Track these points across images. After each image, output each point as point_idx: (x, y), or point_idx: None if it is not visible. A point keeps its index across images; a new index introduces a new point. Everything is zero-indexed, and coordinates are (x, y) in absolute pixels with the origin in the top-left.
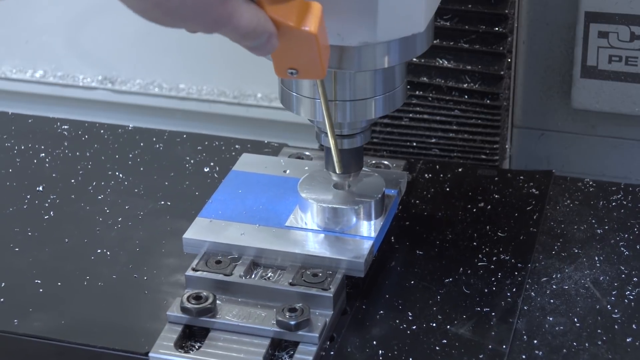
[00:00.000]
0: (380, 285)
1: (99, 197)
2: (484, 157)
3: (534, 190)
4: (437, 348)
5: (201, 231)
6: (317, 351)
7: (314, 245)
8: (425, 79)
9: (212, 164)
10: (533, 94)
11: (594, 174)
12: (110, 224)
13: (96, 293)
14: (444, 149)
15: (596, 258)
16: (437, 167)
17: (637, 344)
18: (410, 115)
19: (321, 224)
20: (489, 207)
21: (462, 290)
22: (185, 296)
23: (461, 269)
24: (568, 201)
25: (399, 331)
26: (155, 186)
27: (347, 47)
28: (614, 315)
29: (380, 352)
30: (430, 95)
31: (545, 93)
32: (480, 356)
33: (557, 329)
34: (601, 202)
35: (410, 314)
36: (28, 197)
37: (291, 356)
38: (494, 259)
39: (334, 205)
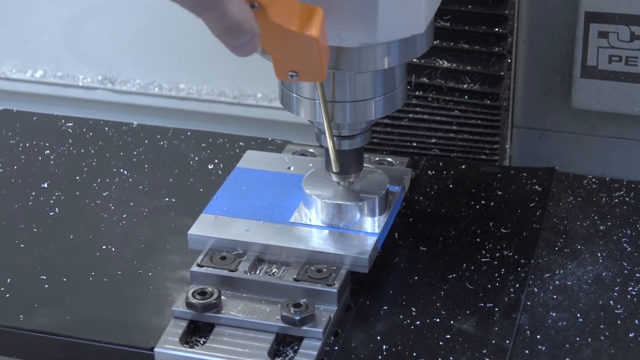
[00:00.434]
0: (384, 281)
1: (104, 194)
2: (484, 157)
3: (536, 186)
4: (441, 343)
5: (206, 227)
6: (321, 346)
7: (318, 241)
8: (425, 79)
9: (216, 161)
10: (533, 94)
11: (594, 174)
12: (115, 221)
13: (101, 289)
14: (444, 149)
15: (599, 254)
16: (441, 164)
17: (639, 339)
18: (410, 115)
19: (325, 220)
20: (492, 203)
21: (466, 286)
22: (191, 292)
23: (464, 264)
24: (571, 198)
25: (403, 326)
26: (160, 183)
27: (347, 48)
28: (616, 311)
29: (384, 347)
30: (430, 95)
31: (545, 93)
32: (484, 351)
33: (560, 324)
34: (604, 199)
35: (414, 310)
36: (33, 194)
37: (296, 351)
38: (497, 255)
39: (338, 202)
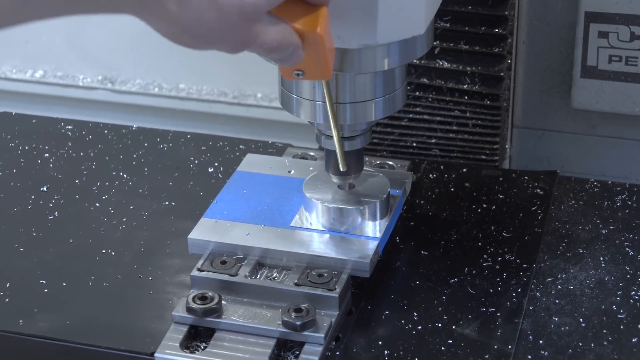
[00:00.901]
0: (386, 286)
1: (104, 198)
2: (484, 157)
3: (538, 190)
4: (443, 348)
5: (206, 231)
6: (322, 351)
7: (319, 245)
8: (425, 80)
9: (216, 164)
10: (533, 94)
11: (594, 174)
12: (115, 224)
13: (101, 293)
14: (444, 149)
15: (601, 258)
16: (442, 167)
17: None
18: (410, 115)
19: (326, 224)
20: (494, 207)
21: (468, 291)
22: (191, 296)
23: (466, 269)
24: (573, 201)
25: (405, 331)
26: (160, 186)
27: (348, 50)
28: (619, 316)
29: (385, 352)
30: (431, 96)
31: (545, 93)
32: (486, 356)
33: (562, 329)
34: (606, 202)
35: (415, 314)
36: (32, 197)
37: (297, 356)
38: (499, 259)
39: (339, 206)
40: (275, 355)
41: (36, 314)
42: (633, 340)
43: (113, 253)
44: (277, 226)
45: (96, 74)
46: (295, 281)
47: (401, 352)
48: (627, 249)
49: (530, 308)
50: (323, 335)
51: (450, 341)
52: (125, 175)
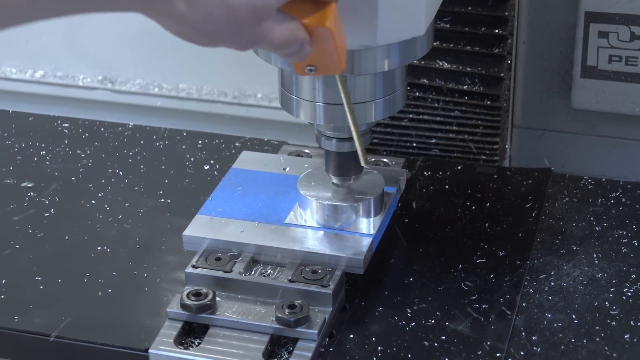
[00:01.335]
0: (379, 282)
1: (99, 195)
2: (484, 157)
3: (532, 187)
4: (436, 345)
5: (201, 228)
6: (316, 347)
7: (314, 242)
8: (425, 80)
9: (212, 161)
10: (533, 94)
11: (594, 174)
12: (111, 222)
13: (96, 290)
14: (444, 149)
15: (594, 255)
16: (437, 164)
17: (635, 340)
18: (411, 115)
19: (320, 221)
20: (488, 204)
21: (461, 287)
22: (185, 293)
23: (460, 265)
24: (567, 199)
25: (398, 328)
26: (155, 184)
27: (348, 51)
28: (612, 312)
29: (379, 348)
30: (431, 96)
31: (545, 93)
32: (479, 352)
33: (555, 325)
34: (600, 200)
35: (409, 311)
36: (29, 194)
37: (290, 352)
38: (492, 256)
39: (334, 203)
40: (269, 351)
41: (31, 311)
42: (625, 336)
43: (108, 250)
44: (271, 223)
45: (96, 74)
46: (289, 278)
47: (394, 349)
48: (621, 246)
49: (524, 304)
50: (317, 332)
51: (444, 337)
52: (121, 173)
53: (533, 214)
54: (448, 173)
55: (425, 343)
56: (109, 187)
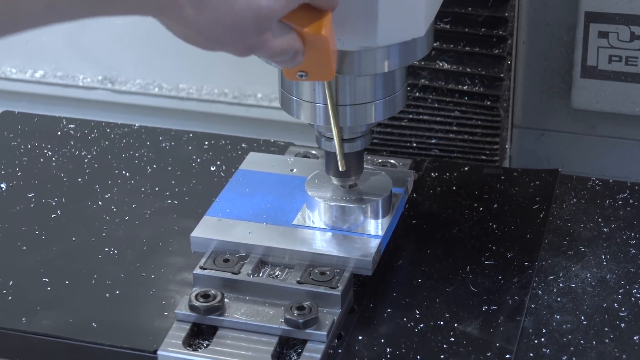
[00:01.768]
0: (388, 284)
1: (106, 196)
2: (484, 157)
3: (540, 188)
4: (445, 346)
5: (209, 230)
6: (325, 349)
7: (322, 243)
8: (425, 81)
9: (218, 162)
10: (533, 94)
11: (594, 174)
12: (118, 223)
13: (104, 292)
14: (444, 149)
15: (603, 256)
16: (444, 166)
17: None
18: (411, 116)
19: (328, 223)
20: (496, 205)
21: (469, 289)
22: (194, 294)
23: (468, 267)
24: (574, 200)
25: (407, 329)
26: (162, 185)
27: (348, 52)
28: (621, 314)
29: (387, 350)
30: (431, 97)
31: (545, 93)
32: (488, 354)
33: (564, 327)
34: (607, 201)
35: (417, 312)
36: (35, 196)
37: (299, 354)
38: (500, 257)
39: (342, 204)
40: (277, 353)
41: (39, 312)
42: (634, 338)
43: (116, 251)
44: (279, 224)
45: (96, 74)
46: (298, 279)
47: (403, 350)
48: (629, 247)
49: (532, 306)
50: (325, 333)
51: (452, 339)
52: (127, 174)
53: (541, 215)
54: (455, 174)
55: (434, 344)
56: (116, 188)
